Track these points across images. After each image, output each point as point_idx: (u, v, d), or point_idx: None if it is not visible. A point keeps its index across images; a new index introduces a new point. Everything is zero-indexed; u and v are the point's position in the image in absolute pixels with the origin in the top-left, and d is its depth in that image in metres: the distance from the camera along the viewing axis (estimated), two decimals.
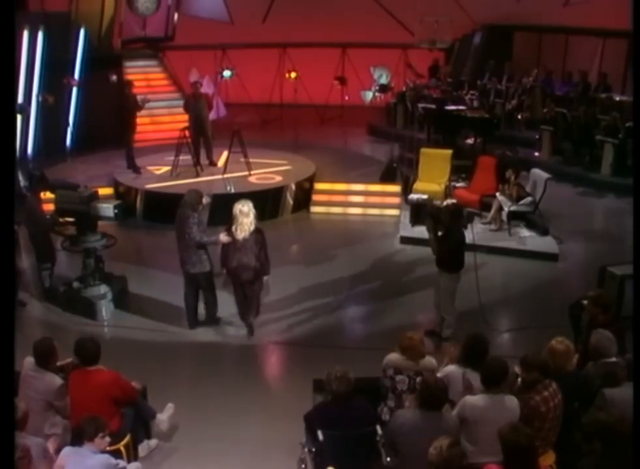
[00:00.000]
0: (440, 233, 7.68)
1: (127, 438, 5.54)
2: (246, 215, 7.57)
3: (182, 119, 14.71)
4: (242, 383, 7.09)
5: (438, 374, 5.42)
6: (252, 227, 7.56)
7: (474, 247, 8.26)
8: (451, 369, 5.43)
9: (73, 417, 5.41)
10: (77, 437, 4.71)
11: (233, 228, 7.59)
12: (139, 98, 12.80)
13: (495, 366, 4.97)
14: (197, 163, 12.54)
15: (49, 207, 9.39)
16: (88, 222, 8.57)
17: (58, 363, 5.76)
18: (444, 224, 7.65)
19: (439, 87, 17.00)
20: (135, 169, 12.85)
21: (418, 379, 5.38)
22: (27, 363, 5.52)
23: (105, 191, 11.92)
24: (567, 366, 5.34)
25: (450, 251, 7.64)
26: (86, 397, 5.36)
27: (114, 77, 15.17)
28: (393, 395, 5.62)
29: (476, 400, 4.88)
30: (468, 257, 8.02)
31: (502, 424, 4.50)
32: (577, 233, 11.09)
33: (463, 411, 4.85)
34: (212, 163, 13.06)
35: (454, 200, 9.21)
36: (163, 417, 6.08)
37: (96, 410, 5.14)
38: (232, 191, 11.87)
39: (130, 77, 15.76)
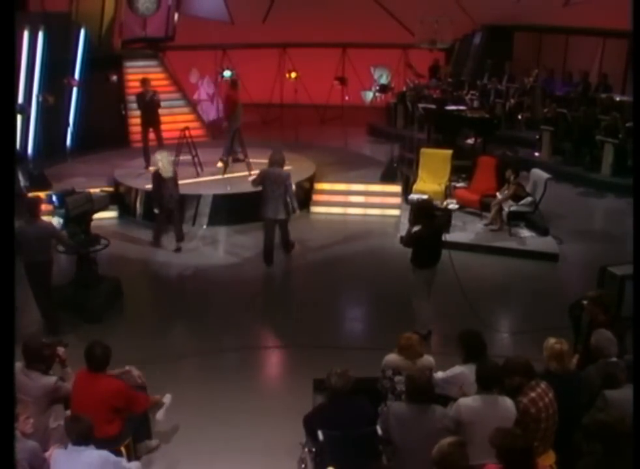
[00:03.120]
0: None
1: (128, 439, 5.55)
2: (160, 161, 10.11)
3: (182, 119, 14.75)
4: (242, 383, 7.08)
5: (447, 374, 5.45)
6: (171, 168, 10.22)
7: (448, 246, 8.28)
8: (460, 369, 5.45)
9: None
10: (77, 435, 4.63)
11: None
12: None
13: (488, 368, 5.01)
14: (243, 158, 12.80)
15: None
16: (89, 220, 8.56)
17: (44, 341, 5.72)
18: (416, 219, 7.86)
19: (439, 87, 17.00)
20: (148, 165, 13.04)
21: None
22: (15, 369, 5.39)
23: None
24: (566, 365, 5.34)
25: (414, 246, 7.78)
26: (87, 402, 5.31)
27: (114, 77, 15.16)
28: (392, 396, 5.63)
29: (470, 401, 4.91)
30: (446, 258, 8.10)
31: (499, 423, 4.53)
32: (577, 233, 11.10)
33: (458, 413, 4.87)
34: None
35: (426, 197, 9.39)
36: (161, 409, 6.04)
37: (94, 414, 5.10)
38: (233, 191, 11.87)
39: (130, 77, 15.79)
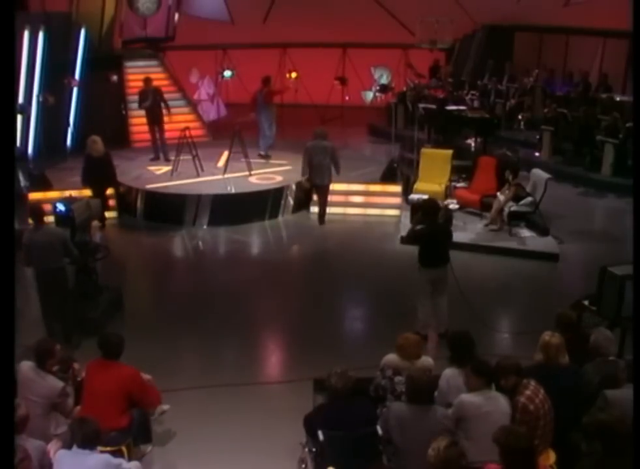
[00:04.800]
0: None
1: (129, 439, 5.56)
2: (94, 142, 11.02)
3: (182, 119, 14.74)
4: (242, 384, 7.07)
5: (443, 386, 5.45)
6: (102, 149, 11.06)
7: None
8: (449, 373, 5.46)
9: (86, 407, 5.44)
10: (84, 438, 4.62)
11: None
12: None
13: (482, 365, 5.03)
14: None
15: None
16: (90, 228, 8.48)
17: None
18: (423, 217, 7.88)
19: (440, 87, 17.00)
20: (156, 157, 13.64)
21: None
22: (24, 367, 5.50)
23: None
24: (561, 359, 5.38)
25: (420, 244, 7.78)
26: (102, 388, 5.40)
27: (114, 77, 15.18)
28: (392, 396, 5.62)
29: (472, 397, 4.93)
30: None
31: (499, 419, 4.57)
32: (577, 233, 11.09)
33: (461, 410, 4.89)
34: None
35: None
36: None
37: (109, 402, 5.15)
38: (233, 191, 11.87)
39: (130, 77, 15.80)
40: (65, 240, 7.52)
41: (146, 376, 5.96)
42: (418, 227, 7.79)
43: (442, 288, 7.86)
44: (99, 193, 10.98)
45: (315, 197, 12.00)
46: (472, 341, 5.52)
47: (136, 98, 13.94)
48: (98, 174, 11.00)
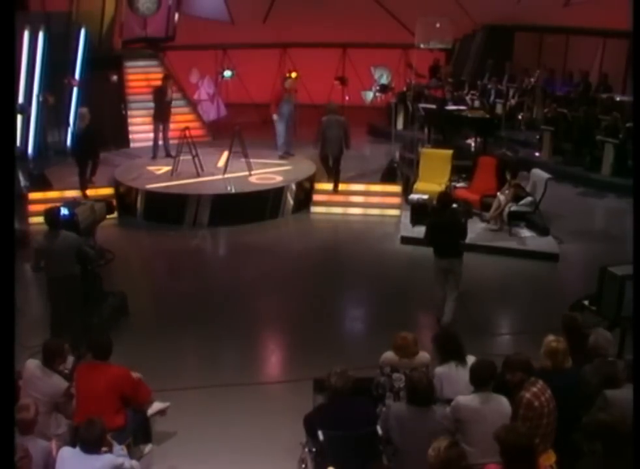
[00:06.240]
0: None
1: (129, 439, 5.57)
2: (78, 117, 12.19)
3: (182, 119, 14.74)
4: (242, 383, 7.07)
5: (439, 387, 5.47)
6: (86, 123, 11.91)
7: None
8: (440, 370, 5.50)
9: (79, 410, 5.44)
10: (88, 443, 4.60)
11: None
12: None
13: (483, 366, 5.04)
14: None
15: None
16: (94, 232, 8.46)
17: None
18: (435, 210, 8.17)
19: (440, 87, 16.99)
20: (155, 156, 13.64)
21: None
22: (31, 365, 5.55)
23: (105, 191, 11.93)
24: (560, 363, 5.37)
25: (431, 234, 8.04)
26: (94, 389, 5.41)
27: (114, 77, 15.17)
28: (391, 394, 5.64)
29: (469, 399, 4.93)
30: None
31: (497, 422, 4.56)
32: (577, 233, 11.10)
33: (457, 412, 4.88)
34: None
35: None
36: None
37: (102, 403, 5.15)
38: (233, 191, 11.88)
39: (130, 77, 15.79)
40: (81, 245, 7.40)
41: (135, 375, 5.95)
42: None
43: (452, 282, 8.02)
44: (80, 164, 11.77)
45: (318, 187, 12.31)
46: (458, 341, 5.60)
47: (137, 97, 13.92)
48: (78, 147, 11.96)
